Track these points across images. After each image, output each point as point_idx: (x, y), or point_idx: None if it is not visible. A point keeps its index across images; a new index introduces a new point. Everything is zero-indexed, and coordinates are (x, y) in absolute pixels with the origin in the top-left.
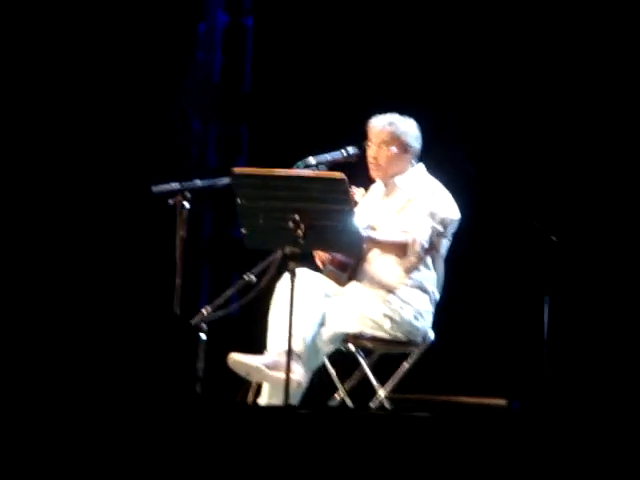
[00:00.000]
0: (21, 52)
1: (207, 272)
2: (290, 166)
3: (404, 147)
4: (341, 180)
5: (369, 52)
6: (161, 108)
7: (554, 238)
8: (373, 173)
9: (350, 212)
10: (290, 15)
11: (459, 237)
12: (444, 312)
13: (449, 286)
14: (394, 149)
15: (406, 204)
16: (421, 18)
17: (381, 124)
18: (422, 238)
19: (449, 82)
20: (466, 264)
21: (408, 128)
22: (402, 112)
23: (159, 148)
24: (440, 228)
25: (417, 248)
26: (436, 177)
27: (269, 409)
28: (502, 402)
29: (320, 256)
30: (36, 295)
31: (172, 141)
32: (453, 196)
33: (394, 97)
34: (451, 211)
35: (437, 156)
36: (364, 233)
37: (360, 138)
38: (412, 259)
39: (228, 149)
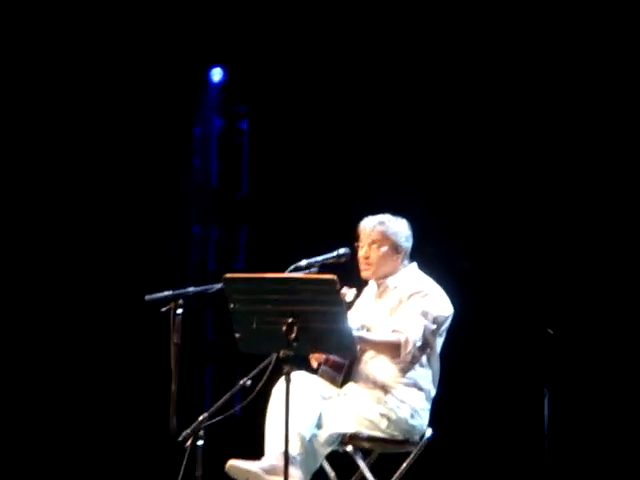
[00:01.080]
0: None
1: (210, 375)
2: (287, 267)
3: (395, 247)
4: (332, 281)
5: (364, 153)
6: (160, 215)
7: (551, 331)
8: (364, 273)
9: (342, 313)
10: (284, 118)
11: (456, 331)
12: (443, 407)
13: (448, 380)
14: (385, 249)
15: (398, 304)
16: (414, 118)
17: (372, 224)
18: (415, 337)
19: (443, 179)
20: (464, 359)
21: (399, 228)
22: (396, 212)
23: (160, 256)
24: (433, 326)
25: (410, 348)
26: (432, 273)
27: None
28: None
29: (315, 357)
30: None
31: (173, 248)
32: (450, 291)
33: (389, 198)
34: (444, 309)
35: (433, 253)
36: (356, 334)
37: (352, 239)
38: (406, 359)
39: (227, 253)
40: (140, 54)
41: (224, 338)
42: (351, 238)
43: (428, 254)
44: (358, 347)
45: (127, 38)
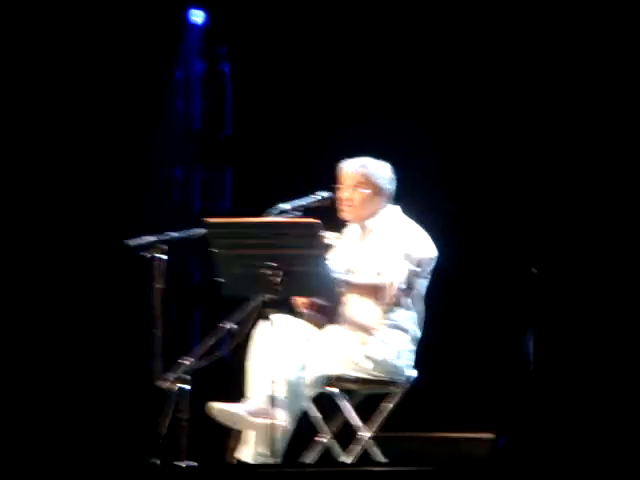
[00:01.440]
0: None
1: (198, 319)
2: (273, 206)
3: (377, 189)
4: (314, 225)
5: (347, 93)
6: (142, 157)
7: (535, 270)
8: (346, 215)
9: (324, 257)
10: (266, 58)
11: (441, 273)
12: (428, 349)
13: (432, 322)
14: (367, 191)
15: (381, 246)
16: (394, 61)
17: (354, 167)
18: (398, 280)
19: (424, 122)
20: (448, 300)
21: (381, 171)
22: (378, 155)
23: (142, 198)
24: (416, 269)
25: (394, 291)
26: (415, 217)
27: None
28: (490, 436)
29: (299, 301)
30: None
31: (156, 190)
32: (433, 234)
33: (373, 139)
34: (427, 251)
35: (415, 196)
36: (340, 277)
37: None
38: (390, 301)
39: (212, 194)
40: None
41: (211, 282)
42: (335, 180)
43: (437, 200)
44: (342, 290)
45: None
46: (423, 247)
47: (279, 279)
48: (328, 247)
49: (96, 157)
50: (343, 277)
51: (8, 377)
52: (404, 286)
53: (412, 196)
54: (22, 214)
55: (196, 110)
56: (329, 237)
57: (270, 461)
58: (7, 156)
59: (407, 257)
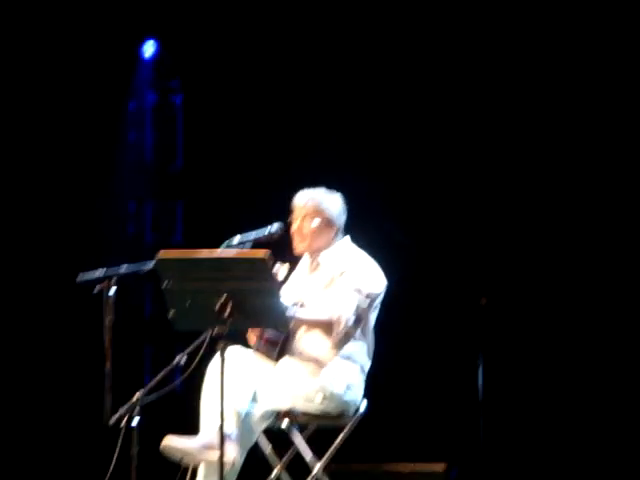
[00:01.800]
0: None
1: (149, 353)
2: (225, 239)
3: (328, 220)
4: (262, 259)
5: (298, 124)
6: (95, 190)
7: (484, 300)
8: (297, 246)
9: (275, 289)
10: (217, 90)
11: (391, 303)
12: (378, 379)
13: (382, 353)
14: (318, 222)
15: (331, 280)
16: (345, 89)
17: (305, 198)
18: (347, 315)
19: (377, 153)
20: (398, 330)
21: (332, 202)
22: (331, 186)
23: (95, 230)
24: (367, 302)
25: (342, 325)
26: (365, 246)
27: None
28: (440, 467)
29: (250, 334)
30: None
31: (109, 223)
32: (383, 263)
33: (324, 172)
34: (377, 284)
35: (367, 226)
36: (290, 312)
37: (287, 213)
38: (339, 335)
39: (164, 227)
40: (71, 28)
41: (162, 315)
42: (286, 212)
43: (387, 230)
44: (292, 323)
45: (58, 12)
46: (373, 280)
47: (229, 311)
48: (278, 279)
49: (49, 189)
50: (293, 311)
51: None
52: (352, 320)
53: (363, 225)
54: None
55: (148, 142)
56: (279, 269)
57: None
58: None
59: (357, 291)
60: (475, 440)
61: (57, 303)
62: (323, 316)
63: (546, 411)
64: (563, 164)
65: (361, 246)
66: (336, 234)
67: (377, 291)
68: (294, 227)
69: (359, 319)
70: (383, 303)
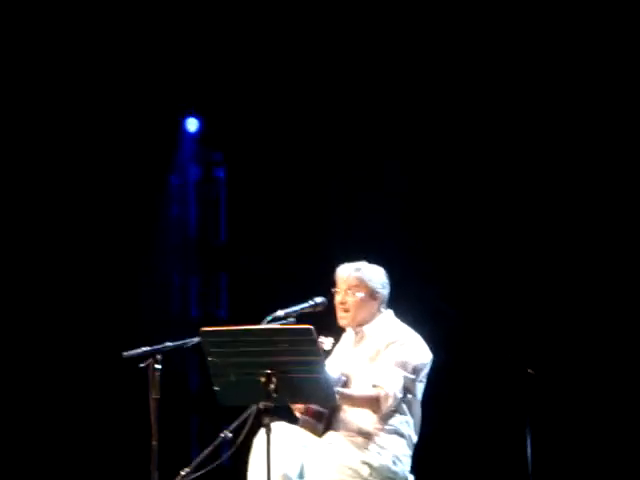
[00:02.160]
0: None
1: (196, 426)
2: (269, 312)
3: (371, 293)
4: (308, 330)
5: (342, 199)
6: (140, 264)
7: (531, 371)
8: (342, 321)
9: (320, 362)
10: (260, 164)
11: (437, 375)
12: (426, 451)
13: (430, 425)
14: (362, 295)
15: (377, 353)
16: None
17: (348, 271)
18: (394, 390)
19: (420, 222)
20: (446, 402)
21: (375, 274)
22: (373, 260)
23: (141, 305)
24: (412, 376)
25: (390, 402)
26: (410, 318)
27: None
28: None
29: (296, 407)
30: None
31: (154, 298)
32: (428, 334)
33: (364, 244)
34: (422, 357)
35: (411, 297)
36: (336, 390)
37: (331, 286)
38: (386, 411)
39: (208, 301)
40: (115, 104)
41: (209, 389)
42: (329, 286)
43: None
44: (338, 398)
45: (103, 88)
46: (418, 353)
47: (274, 386)
48: (323, 352)
49: (94, 265)
50: (339, 389)
51: None
52: (400, 395)
53: (407, 298)
54: (21, 325)
55: (191, 216)
56: (324, 342)
57: None
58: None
59: (402, 365)
60: None
61: (104, 380)
62: (369, 393)
63: None
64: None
65: (405, 319)
66: (379, 307)
67: (423, 363)
68: (337, 299)
69: (406, 392)
70: (429, 376)
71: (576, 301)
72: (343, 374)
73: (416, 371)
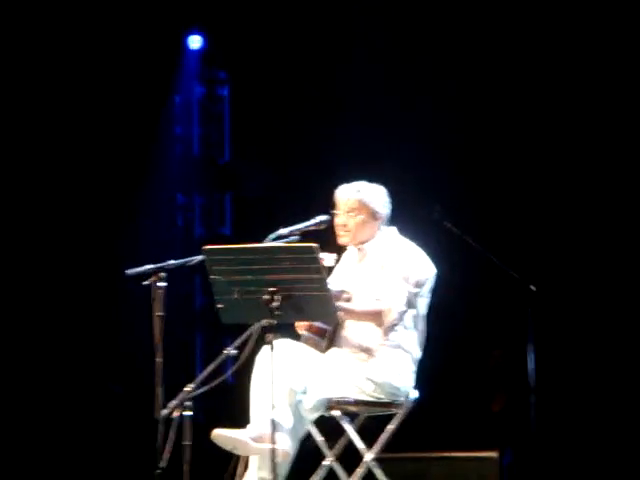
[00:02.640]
0: None
1: (201, 343)
2: (273, 231)
3: (372, 214)
4: (311, 249)
5: (345, 115)
6: (143, 183)
7: (533, 287)
8: (342, 240)
9: (323, 280)
10: (264, 82)
11: (440, 293)
12: (429, 368)
13: (433, 341)
14: (362, 216)
15: (379, 270)
16: (391, 78)
17: (348, 193)
18: (398, 304)
19: (422, 141)
20: (449, 318)
21: (375, 195)
22: (378, 176)
23: (144, 224)
24: (415, 290)
25: (394, 314)
26: (414, 236)
27: None
28: (494, 454)
29: (299, 324)
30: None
31: (157, 216)
32: (432, 251)
33: (369, 163)
34: (425, 271)
35: (413, 214)
36: (339, 305)
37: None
38: (390, 324)
39: (212, 219)
40: (118, 21)
41: (212, 307)
42: (332, 204)
43: (437, 213)
44: (341, 314)
45: (105, 4)
46: (421, 267)
47: (277, 303)
48: (326, 270)
49: (97, 183)
50: (342, 304)
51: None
52: (404, 308)
53: (410, 214)
54: (24, 242)
55: (195, 135)
56: (327, 259)
57: None
58: (8, 184)
59: (405, 279)
60: (527, 427)
61: (107, 297)
62: (373, 307)
63: (598, 396)
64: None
65: (408, 235)
66: (381, 225)
67: (425, 277)
68: (338, 221)
69: (410, 306)
70: (434, 292)
71: (579, 217)
72: (341, 290)
73: (419, 285)
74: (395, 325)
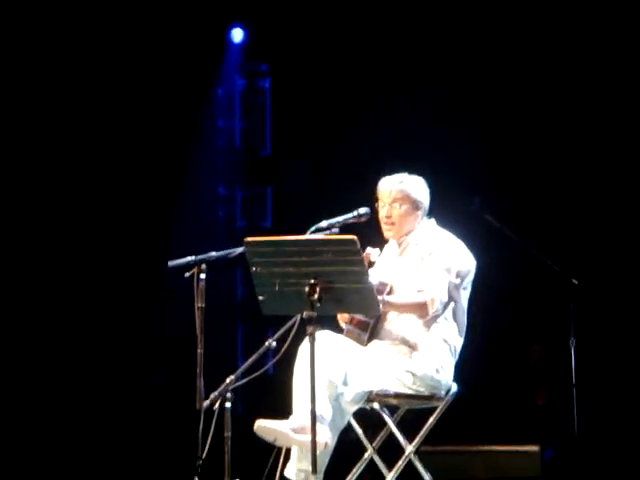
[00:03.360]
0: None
1: (242, 334)
2: (313, 224)
3: (415, 204)
4: (352, 241)
5: (387, 108)
6: (186, 175)
7: (575, 281)
8: (387, 233)
9: (363, 272)
10: (306, 75)
11: (481, 285)
12: (470, 361)
13: (474, 334)
14: (406, 207)
15: (420, 262)
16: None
17: (391, 184)
18: (440, 295)
19: (463, 132)
20: (490, 311)
21: (417, 186)
22: (417, 169)
23: (187, 215)
24: (457, 281)
25: (436, 305)
26: (454, 229)
27: None
28: (535, 449)
29: (341, 316)
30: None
31: (199, 209)
32: (473, 245)
33: (408, 156)
34: (466, 262)
35: (455, 208)
36: (381, 298)
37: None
38: (433, 315)
39: (253, 212)
40: (162, 14)
41: (254, 299)
42: (374, 197)
43: (477, 205)
44: (383, 307)
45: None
46: (462, 259)
47: (318, 296)
48: (367, 263)
49: (139, 175)
50: (384, 297)
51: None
52: (445, 299)
53: (449, 206)
54: (69, 234)
55: (237, 128)
56: (371, 253)
57: (312, 477)
58: (49, 179)
59: (447, 270)
60: (569, 422)
61: (150, 289)
62: (415, 298)
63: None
64: None
65: (447, 228)
66: (422, 216)
67: (467, 268)
68: (382, 213)
69: (450, 298)
70: (474, 284)
71: (622, 210)
72: (381, 283)
73: (460, 276)
74: (437, 317)
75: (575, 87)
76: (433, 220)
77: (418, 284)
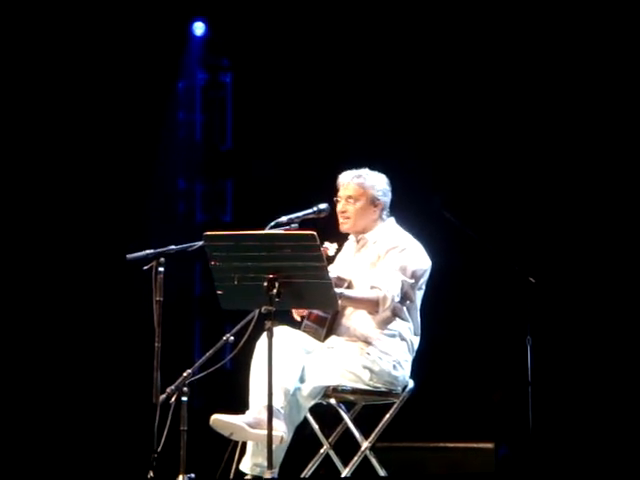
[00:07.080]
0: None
1: (199, 329)
2: (273, 218)
3: (372, 200)
4: (311, 236)
5: (347, 103)
6: (145, 169)
7: (532, 280)
8: (342, 227)
9: (322, 268)
10: (267, 70)
11: (439, 283)
12: (426, 358)
13: (430, 332)
14: (362, 202)
15: (377, 259)
16: (393, 69)
17: (349, 178)
18: (393, 293)
19: (423, 130)
20: (446, 309)
21: (376, 182)
22: (378, 166)
23: (146, 209)
24: (411, 281)
25: (388, 303)
26: (412, 226)
27: None
28: (489, 446)
29: (297, 312)
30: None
31: (158, 202)
32: (431, 243)
33: (370, 151)
34: (421, 262)
35: (414, 206)
36: (336, 290)
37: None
38: (385, 313)
39: (213, 206)
40: (122, 7)
41: (212, 293)
42: (333, 192)
43: (437, 203)
44: (339, 301)
45: None
46: (417, 259)
47: (276, 290)
48: (326, 258)
49: (99, 168)
50: (339, 290)
51: (6, 387)
52: (398, 298)
53: (410, 205)
54: (25, 226)
55: (197, 121)
56: (328, 248)
57: (267, 472)
58: (10, 169)
59: (402, 269)
60: (524, 420)
61: (107, 281)
62: (369, 295)
63: (595, 390)
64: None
65: (407, 225)
66: (381, 214)
67: (422, 269)
68: (339, 207)
69: (404, 298)
70: (431, 282)
71: (580, 209)
72: (339, 277)
73: (415, 276)
74: (390, 315)
75: (534, 84)
76: (392, 219)
77: (372, 282)
